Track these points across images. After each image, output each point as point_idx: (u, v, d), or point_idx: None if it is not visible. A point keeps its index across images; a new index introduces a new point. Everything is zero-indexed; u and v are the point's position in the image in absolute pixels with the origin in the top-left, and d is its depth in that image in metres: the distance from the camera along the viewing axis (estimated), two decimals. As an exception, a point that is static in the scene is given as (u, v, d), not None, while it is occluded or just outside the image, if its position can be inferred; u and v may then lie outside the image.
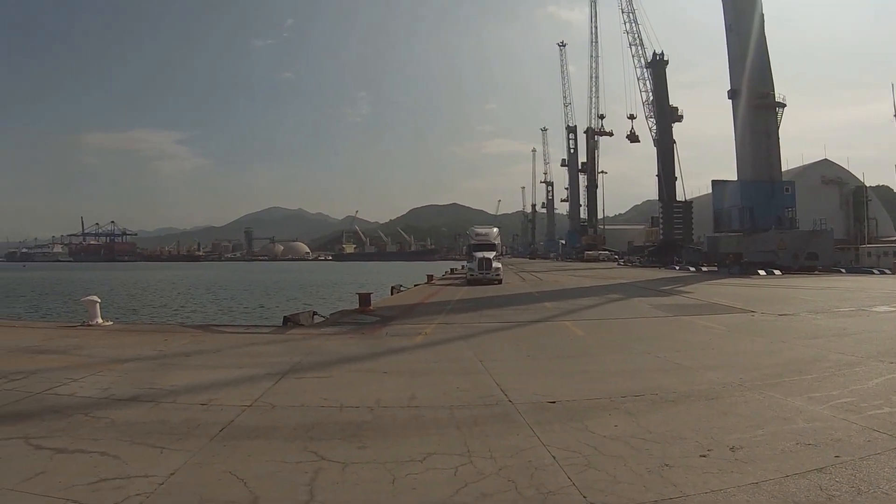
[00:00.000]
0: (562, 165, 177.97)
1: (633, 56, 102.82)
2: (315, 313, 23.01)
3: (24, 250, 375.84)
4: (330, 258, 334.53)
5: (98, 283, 79.19)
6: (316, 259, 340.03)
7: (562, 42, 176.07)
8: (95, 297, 21.48)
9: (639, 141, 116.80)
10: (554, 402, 9.01)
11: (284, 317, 21.94)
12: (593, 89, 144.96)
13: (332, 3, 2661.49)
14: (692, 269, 61.25)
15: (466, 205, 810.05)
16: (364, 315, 22.92)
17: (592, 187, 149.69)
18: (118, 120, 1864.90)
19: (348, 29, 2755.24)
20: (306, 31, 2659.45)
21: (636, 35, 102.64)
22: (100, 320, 20.50)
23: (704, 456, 6.55)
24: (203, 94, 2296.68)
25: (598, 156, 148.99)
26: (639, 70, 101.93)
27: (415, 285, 46.79)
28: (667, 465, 6.27)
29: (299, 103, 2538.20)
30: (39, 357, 13.90)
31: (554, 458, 6.56)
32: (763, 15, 61.00)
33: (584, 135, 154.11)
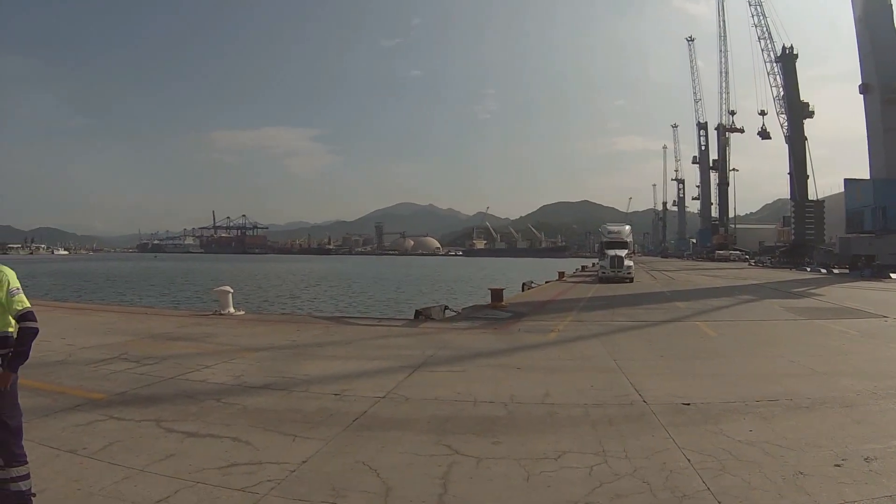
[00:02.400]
0: (693, 163, 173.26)
1: (762, 50, 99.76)
2: (446, 307, 23.07)
3: (155, 242, 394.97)
4: (460, 254, 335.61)
5: (229, 274, 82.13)
6: (446, 254, 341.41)
7: (690, 37, 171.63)
8: (228, 287, 22.21)
9: (770, 138, 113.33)
10: (688, 404, 8.83)
11: (416, 310, 22.07)
12: (723, 84, 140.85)
13: (458, 1, 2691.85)
14: (823, 270, 58.22)
15: (597, 202, 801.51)
16: (496, 310, 22.93)
17: (724, 185, 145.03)
18: (252, 118, 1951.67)
19: (474, 26, 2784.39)
20: (433, 29, 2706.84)
21: (765, 28, 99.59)
22: (232, 310, 21.19)
23: (839, 465, 6.31)
24: (335, 93, 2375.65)
25: (729, 153, 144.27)
26: (768, 64, 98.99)
27: (546, 282, 46.49)
28: (801, 474, 6.08)
29: (428, 101, 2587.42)
30: (172, 343, 14.48)
31: (689, 461, 6.45)
32: (893, 5, 57.69)
33: (715, 131, 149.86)
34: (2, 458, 4.86)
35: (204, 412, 8.33)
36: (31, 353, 4.93)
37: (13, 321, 4.89)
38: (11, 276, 4.95)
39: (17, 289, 4.92)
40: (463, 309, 24.49)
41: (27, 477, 4.94)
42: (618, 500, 5.49)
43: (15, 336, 4.89)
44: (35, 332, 4.92)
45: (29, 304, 4.94)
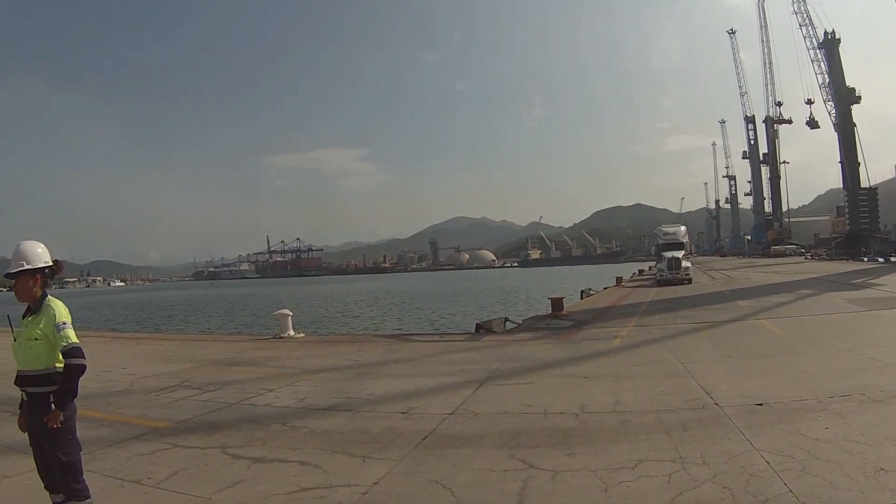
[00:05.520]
0: (743, 158, 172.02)
1: (804, 37, 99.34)
2: (507, 319, 23.01)
3: (211, 269, 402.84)
4: (516, 265, 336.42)
5: (287, 298, 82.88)
6: (502, 266, 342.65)
7: (731, 29, 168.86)
8: (287, 311, 22.35)
9: (819, 127, 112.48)
10: (761, 405, 8.67)
11: (477, 324, 22.11)
12: (768, 76, 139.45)
13: (497, 12, 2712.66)
14: (881, 259, 57.08)
15: (650, 204, 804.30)
16: (558, 319, 22.89)
17: (775, 179, 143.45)
18: (301, 142, 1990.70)
19: (516, 35, 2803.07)
20: (474, 41, 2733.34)
21: (805, 14, 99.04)
22: (292, 332, 21.32)
23: (919, 461, 6.13)
24: (382, 112, 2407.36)
25: (778, 145, 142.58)
26: (811, 52, 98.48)
27: (604, 288, 46.87)
28: (882, 470, 5.91)
29: (475, 113, 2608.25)
30: (234, 369, 14.60)
31: (768, 463, 6.28)
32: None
33: (763, 124, 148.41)
34: (62, 492, 4.86)
35: (270, 437, 8.30)
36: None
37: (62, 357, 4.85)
38: (60, 310, 4.88)
39: (65, 323, 4.84)
40: (524, 320, 24.45)
41: None
42: (699, 506, 5.35)
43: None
44: (81, 368, 4.86)
45: (76, 340, 4.86)
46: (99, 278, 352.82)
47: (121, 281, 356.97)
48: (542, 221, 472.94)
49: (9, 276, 4.84)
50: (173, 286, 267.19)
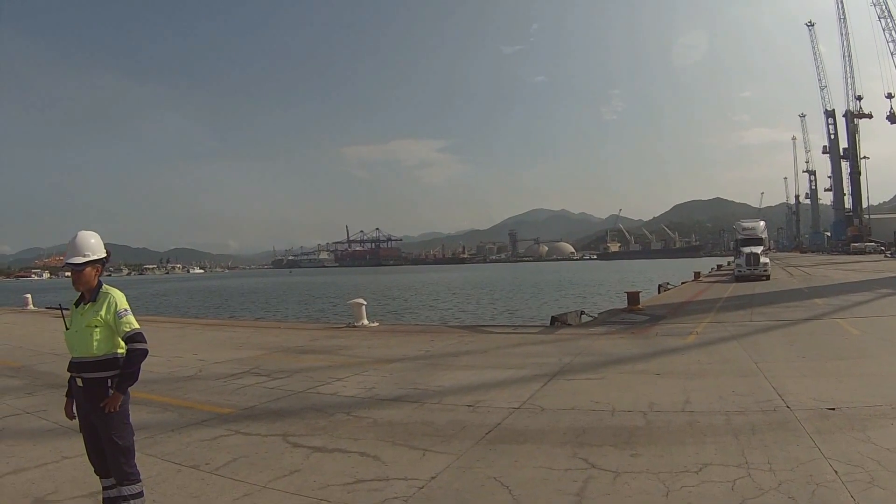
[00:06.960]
0: (823, 153, 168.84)
1: (883, 30, 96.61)
2: (583, 312, 22.91)
3: (290, 258, 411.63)
4: (595, 257, 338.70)
5: (364, 287, 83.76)
6: (581, 259, 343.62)
7: (810, 21, 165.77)
8: (361, 300, 22.51)
9: None
10: (833, 409, 8.28)
11: (552, 316, 22.01)
12: (847, 69, 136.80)
13: (577, 3, 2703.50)
14: None
15: (729, 198, 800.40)
16: (633, 314, 22.70)
17: (855, 174, 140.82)
18: (379, 133, 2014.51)
19: (592, 26, 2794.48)
20: (552, 33, 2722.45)
21: (884, 6, 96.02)
22: (365, 321, 21.49)
23: None
24: (459, 104, 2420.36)
25: (859, 140, 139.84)
26: (891, 45, 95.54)
27: (682, 283, 46.52)
28: None
29: (555, 105, 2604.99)
30: (304, 357, 14.73)
31: (836, 472, 5.97)
32: None
33: (843, 118, 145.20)
34: (114, 476, 4.94)
35: (333, 426, 8.31)
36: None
37: (123, 343, 4.95)
38: (120, 297, 5.00)
39: (126, 310, 4.96)
40: (599, 314, 24.29)
41: (140, 495, 5.00)
42: (761, 517, 5.12)
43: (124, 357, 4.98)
44: (143, 353, 4.98)
45: (138, 326, 4.98)
46: (178, 265, 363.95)
47: (200, 268, 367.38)
48: (621, 214, 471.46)
49: (75, 266, 4.93)
50: (252, 274, 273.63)
